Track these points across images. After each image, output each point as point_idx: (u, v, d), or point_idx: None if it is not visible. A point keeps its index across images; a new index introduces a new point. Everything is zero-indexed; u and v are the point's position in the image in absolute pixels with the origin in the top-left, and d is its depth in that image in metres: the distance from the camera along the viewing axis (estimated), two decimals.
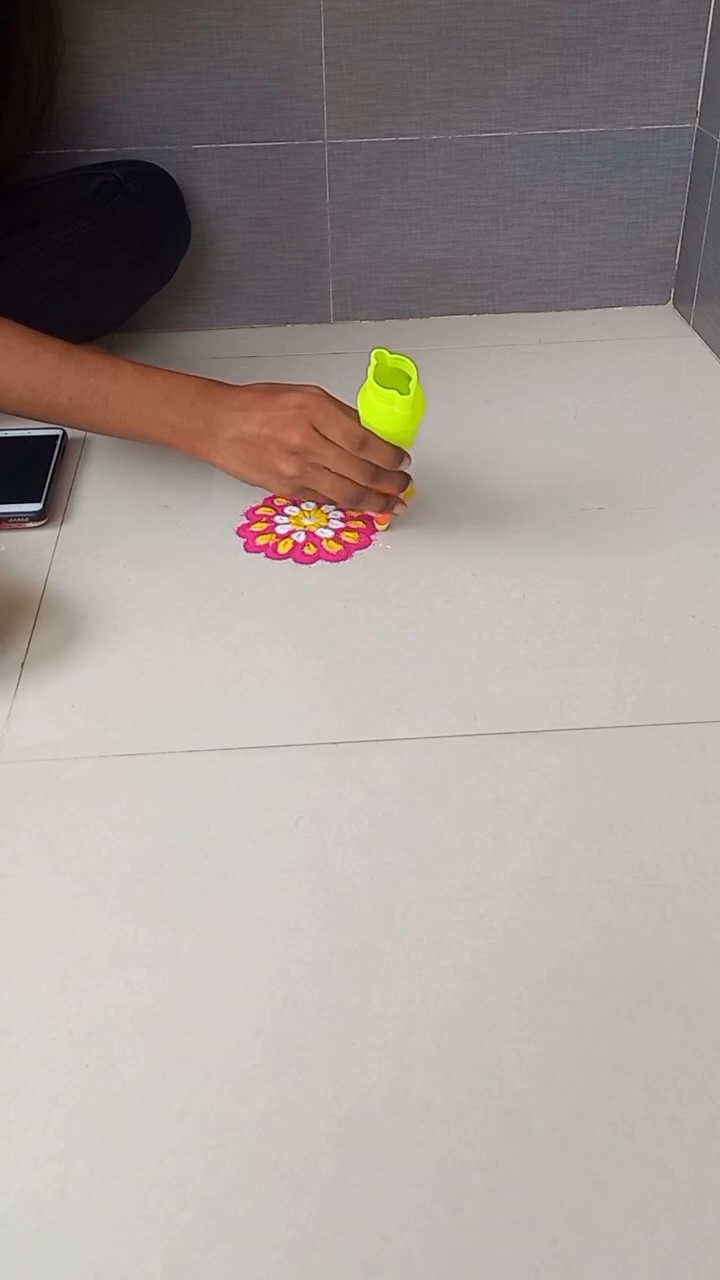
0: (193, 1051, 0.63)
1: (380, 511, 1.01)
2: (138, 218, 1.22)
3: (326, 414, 0.95)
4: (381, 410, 0.95)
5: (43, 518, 1.05)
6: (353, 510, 1.02)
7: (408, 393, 0.94)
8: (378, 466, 0.97)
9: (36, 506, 1.05)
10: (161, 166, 1.30)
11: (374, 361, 0.95)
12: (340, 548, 1.03)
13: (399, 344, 1.40)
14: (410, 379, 0.95)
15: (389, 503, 1.00)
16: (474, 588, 0.98)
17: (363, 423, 0.96)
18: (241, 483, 1.02)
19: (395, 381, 0.95)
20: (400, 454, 0.98)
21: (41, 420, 1.01)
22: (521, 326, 1.43)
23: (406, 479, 0.99)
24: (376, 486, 0.98)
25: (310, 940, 0.69)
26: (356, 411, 0.97)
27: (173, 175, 1.31)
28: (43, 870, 0.74)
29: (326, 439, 0.96)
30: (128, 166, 1.28)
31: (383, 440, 0.96)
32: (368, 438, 0.96)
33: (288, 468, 0.97)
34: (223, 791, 0.79)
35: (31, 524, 1.05)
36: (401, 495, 1.00)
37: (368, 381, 0.95)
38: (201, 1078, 0.62)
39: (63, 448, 1.13)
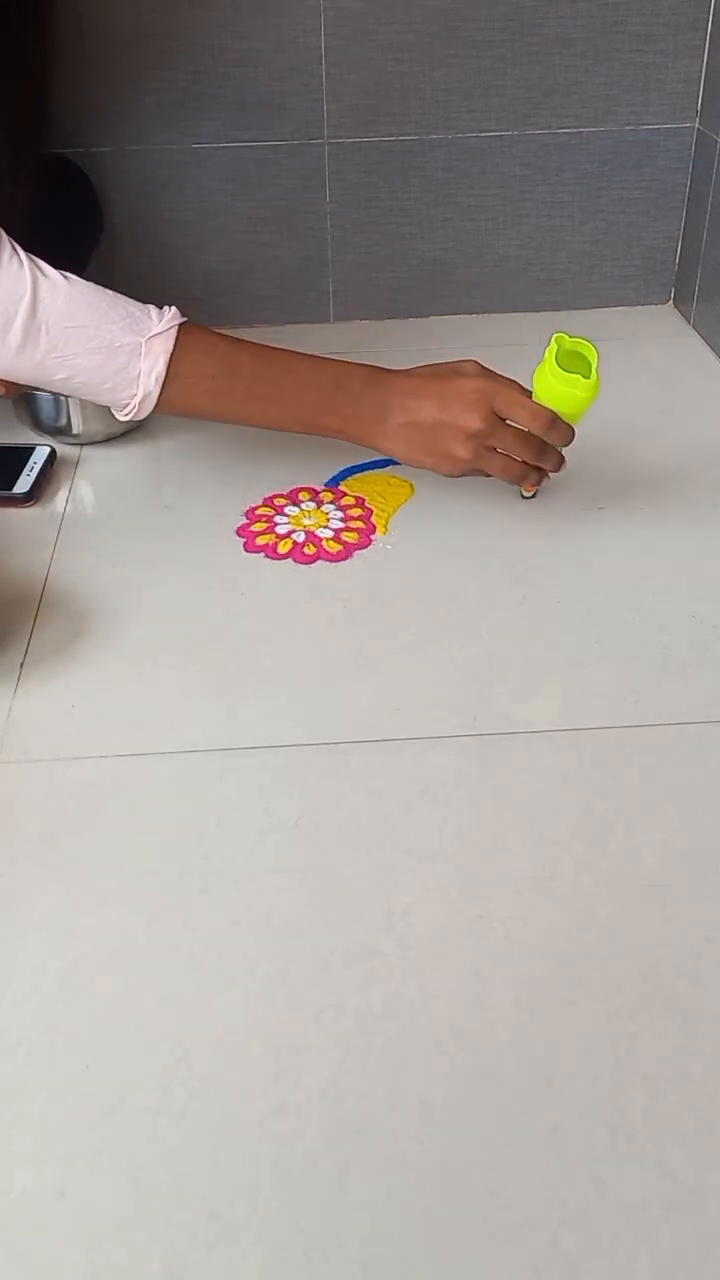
0: (193, 1051, 0.63)
1: (534, 484, 1.03)
2: (44, 208, 1.15)
3: (507, 398, 0.94)
4: (562, 393, 0.95)
5: (31, 498, 1.07)
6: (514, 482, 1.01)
7: (589, 376, 0.95)
8: (545, 446, 0.97)
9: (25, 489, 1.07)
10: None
11: (554, 345, 0.96)
12: (340, 548, 1.03)
13: (399, 344, 1.40)
14: (591, 364, 0.95)
15: (542, 476, 1.01)
16: (474, 588, 0.98)
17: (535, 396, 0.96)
18: (237, 481, 1.02)
19: (573, 364, 0.96)
20: (573, 435, 0.98)
21: (207, 417, 0.97)
22: (521, 326, 1.43)
23: (562, 460, 1.00)
24: (538, 463, 0.98)
25: (310, 940, 0.69)
26: (529, 390, 0.97)
27: (173, 175, 1.31)
28: (43, 870, 0.74)
29: (502, 421, 0.95)
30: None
31: (565, 421, 0.97)
32: (554, 419, 0.95)
33: (463, 451, 0.95)
34: (223, 791, 0.79)
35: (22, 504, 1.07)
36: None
37: (547, 362, 0.96)
38: (201, 1078, 0.62)
39: (51, 459, 1.13)
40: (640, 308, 1.47)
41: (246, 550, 1.03)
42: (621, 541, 1.03)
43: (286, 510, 1.08)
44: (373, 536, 1.04)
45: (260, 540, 1.04)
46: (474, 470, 0.99)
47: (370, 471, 1.12)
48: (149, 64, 1.28)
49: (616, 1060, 0.62)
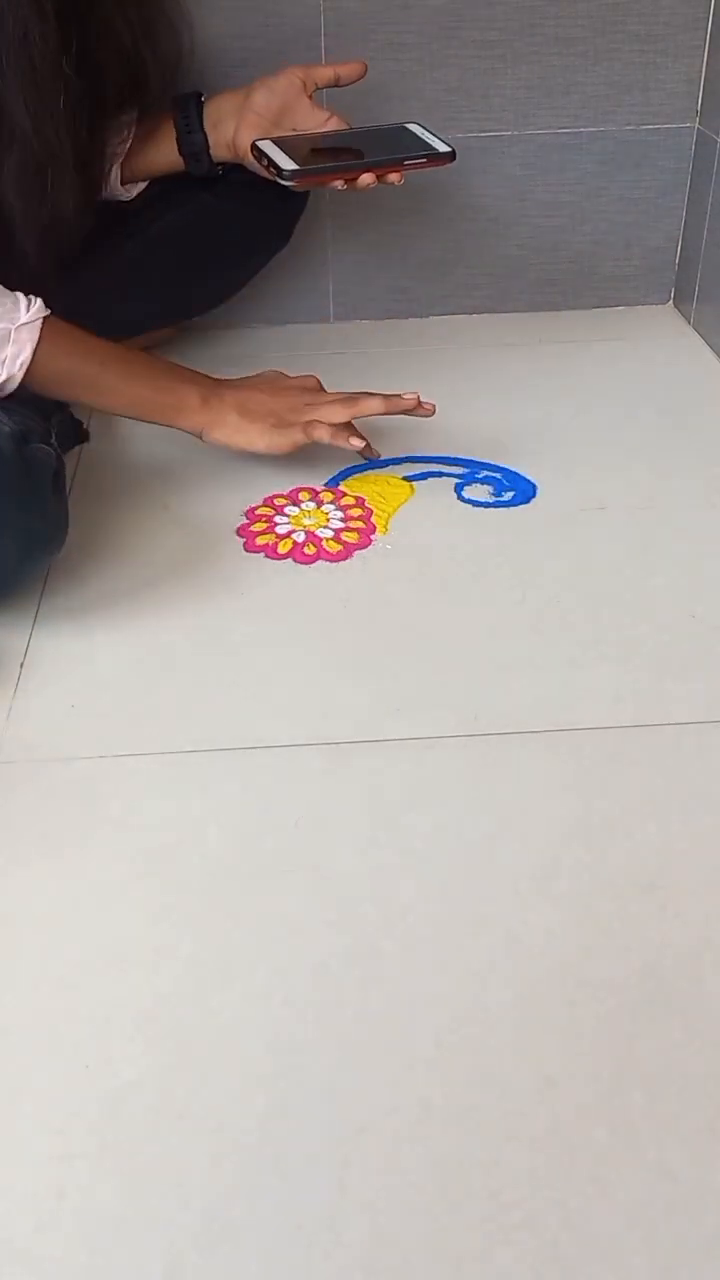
0: (193, 1051, 0.63)
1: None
2: (256, 181, 1.19)
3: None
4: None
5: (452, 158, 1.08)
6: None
7: None
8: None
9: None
10: None
11: None
12: (340, 548, 1.03)
13: (399, 344, 1.40)
14: None
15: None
16: (474, 588, 0.98)
17: None
18: (237, 481, 1.02)
19: None
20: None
21: (60, 399, 1.03)
22: (521, 326, 1.43)
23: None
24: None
25: (310, 940, 0.69)
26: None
27: None
28: (43, 870, 0.74)
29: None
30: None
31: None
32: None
33: (290, 416, 1.02)
34: (223, 791, 0.79)
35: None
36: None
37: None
38: (201, 1078, 0.62)
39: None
40: (640, 308, 1.47)
41: (247, 550, 1.03)
42: (621, 541, 1.03)
43: (286, 510, 1.08)
44: (373, 536, 1.04)
45: (260, 540, 1.04)
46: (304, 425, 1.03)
47: (370, 471, 1.13)
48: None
49: (616, 1060, 0.62)
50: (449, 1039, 0.64)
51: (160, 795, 0.79)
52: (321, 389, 1.07)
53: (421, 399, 1.06)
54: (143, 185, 1.19)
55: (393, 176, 1.06)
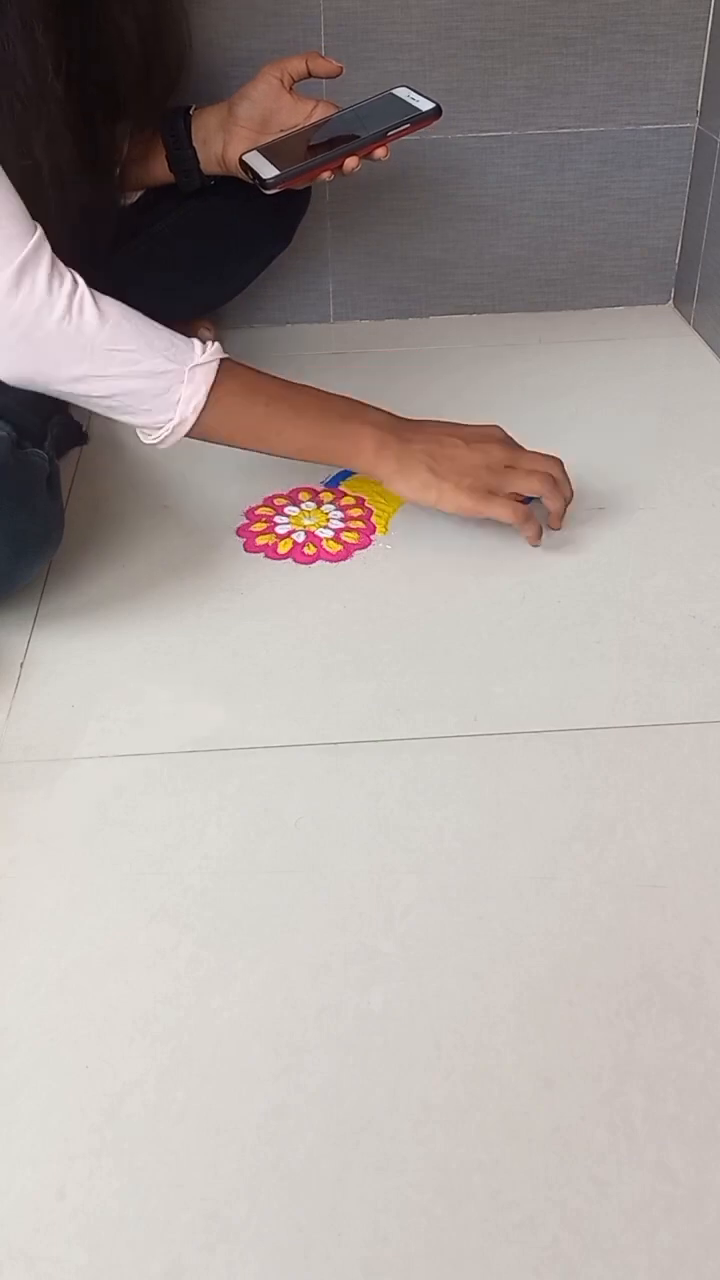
0: (192, 1052, 0.63)
1: (533, 539, 1.01)
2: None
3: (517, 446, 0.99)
4: None
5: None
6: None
7: None
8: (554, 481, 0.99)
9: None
10: None
11: None
12: (340, 548, 1.03)
13: (399, 344, 1.40)
14: None
15: (539, 535, 1.01)
16: (474, 588, 0.98)
17: None
18: (237, 481, 1.02)
19: None
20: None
21: (235, 446, 0.98)
22: (521, 326, 1.43)
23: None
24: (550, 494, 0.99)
25: (310, 940, 0.69)
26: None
27: None
28: (43, 870, 0.74)
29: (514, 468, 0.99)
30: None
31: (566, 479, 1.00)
32: (562, 468, 1.00)
33: (482, 480, 0.97)
34: (223, 791, 0.79)
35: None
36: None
37: None
38: (201, 1078, 0.62)
39: None
40: (640, 308, 1.47)
41: (246, 550, 1.03)
42: (621, 541, 1.03)
43: (286, 510, 1.08)
44: (373, 536, 1.04)
45: (260, 540, 1.04)
46: (483, 501, 0.97)
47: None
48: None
49: (616, 1060, 0.62)
50: (449, 1039, 0.64)
51: (160, 795, 0.79)
52: (510, 441, 1.00)
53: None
54: (139, 193, 1.20)
55: (378, 153, 1.04)
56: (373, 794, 0.78)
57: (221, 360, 0.91)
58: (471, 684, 0.87)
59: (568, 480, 1.00)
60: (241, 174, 1.08)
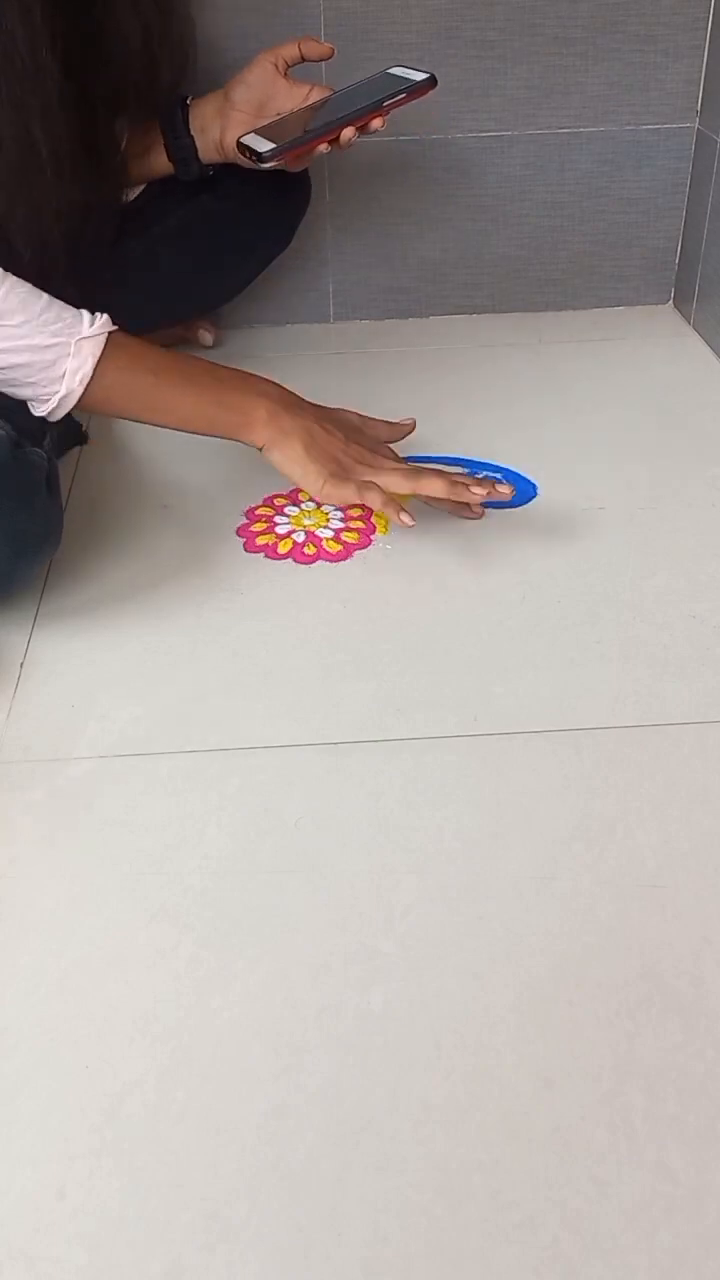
0: (192, 1052, 0.63)
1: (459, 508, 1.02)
2: (258, 182, 1.21)
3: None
4: None
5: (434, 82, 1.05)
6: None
7: None
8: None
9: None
10: None
11: None
12: (340, 548, 1.03)
13: (399, 344, 1.40)
14: None
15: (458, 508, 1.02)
16: (474, 588, 0.98)
17: None
18: (237, 481, 1.02)
19: None
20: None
21: (123, 418, 0.99)
22: (521, 326, 1.43)
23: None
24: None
25: (310, 940, 0.69)
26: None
27: None
28: (43, 870, 0.74)
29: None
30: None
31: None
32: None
33: (349, 461, 0.99)
34: (223, 791, 0.79)
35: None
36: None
37: None
38: (201, 1078, 0.62)
39: None
40: (640, 308, 1.47)
41: (246, 550, 1.03)
42: (621, 541, 1.03)
43: (286, 510, 1.08)
44: (373, 536, 1.04)
45: (260, 540, 1.04)
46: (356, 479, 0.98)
47: None
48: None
49: (616, 1060, 0.62)
50: (449, 1039, 0.64)
51: (160, 795, 0.79)
52: (391, 451, 1.03)
53: (482, 498, 1.00)
54: (140, 188, 1.20)
55: (375, 123, 1.04)
56: (373, 794, 0.78)
57: (110, 333, 0.91)
58: (471, 684, 0.87)
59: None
60: (240, 158, 1.09)
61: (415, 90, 1.04)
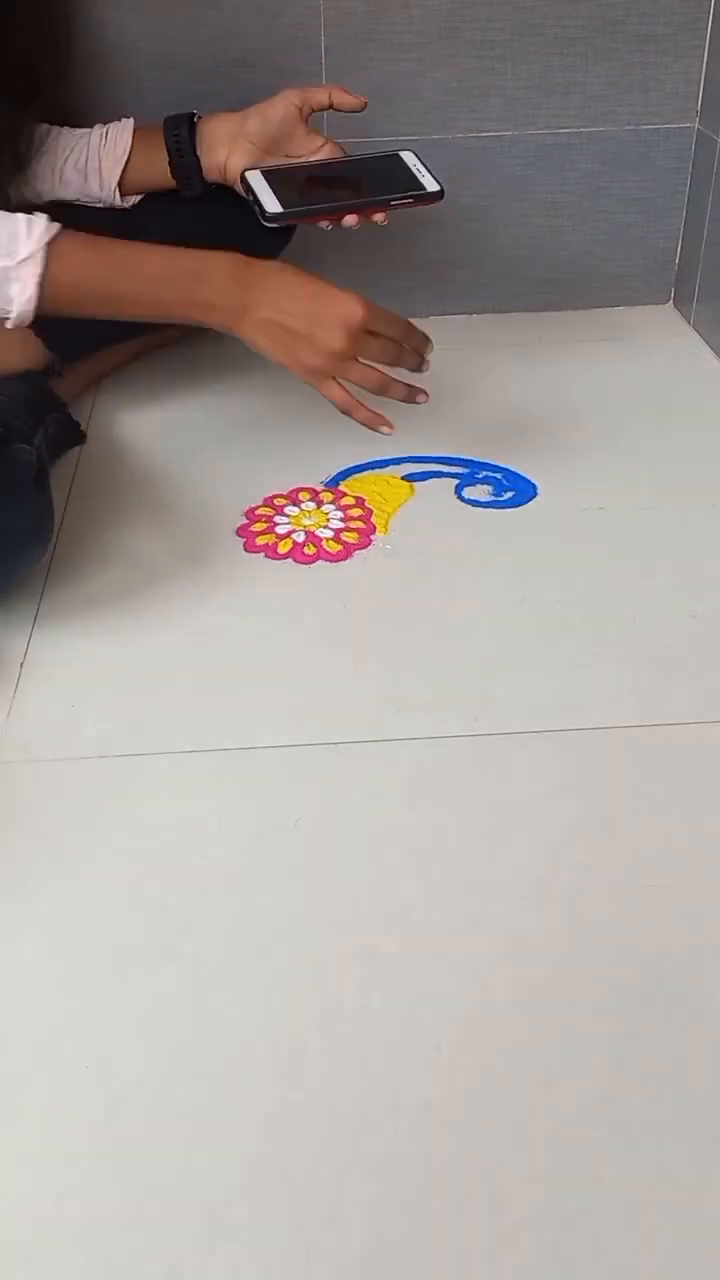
0: (192, 1052, 0.63)
1: (404, 398, 1.00)
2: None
3: (378, 319, 0.97)
4: None
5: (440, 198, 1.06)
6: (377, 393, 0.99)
7: None
8: (401, 347, 0.99)
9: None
10: None
11: None
12: (340, 548, 1.03)
13: None
14: None
15: (411, 392, 1.00)
16: (474, 588, 0.98)
17: None
18: (237, 481, 1.02)
19: None
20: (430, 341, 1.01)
21: (80, 316, 0.99)
22: (521, 326, 1.43)
23: (421, 357, 1.01)
24: (397, 363, 0.98)
25: (310, 940, 0.69)
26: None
27: None
28: (43, 870, 0.74)
29: (367, 337, 0.96)
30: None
31: (421, 332, 0.99)
32: (411, 326, 0.99)
33: (319, 362, 0.96)
34: (223, 791, 0.79)
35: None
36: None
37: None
38: (201, 1078, 0.62)
39: None
40: (640, 308, 1.47)
41: (246, 550, 1.03)
42: (621, 541, 1.03)
43: (286, 510, 1.08)
44: (373, 536, 1.04)
45: (260, 540, 1.04)
46: (329, 379, 0.97)
47: (370, 472, 1.13)
48: (149, 64, 1.28)
49: (616, 1060, 0.62)
50: (449, 1039, 0.64)
51: (160, 795, 0.79)
52: (367, 318, 0.98)
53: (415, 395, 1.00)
54: (137, 198, 1.20)
55: (377, 216, 1.05)
56: (373, 794, 0.78)
57: (52, 241, 0.92)
58: (471, 684, 0.87)
59: (416, 336, 0.99)
60: (238, 188, 1.08)
61: (424, 199, 1.06)
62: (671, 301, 1.47)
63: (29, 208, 0.95)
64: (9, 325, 0.94)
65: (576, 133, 1.36)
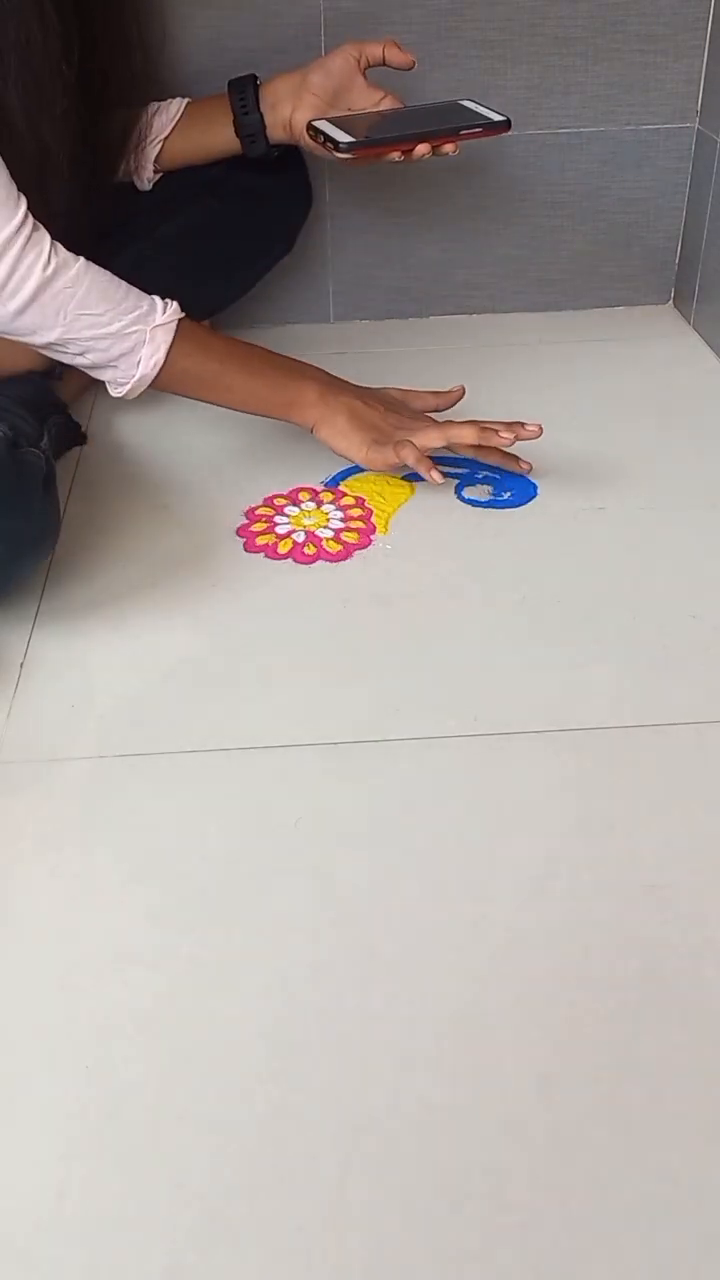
0: (192, 1052, 0.63)
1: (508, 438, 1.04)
2: (260, 188, 1.24)
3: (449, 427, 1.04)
4: None
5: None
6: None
7: None
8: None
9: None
10: None
11: None
12: (340, 548, 1.03)
13: (399, 344, 1.40)
14: None
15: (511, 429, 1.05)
16: (474, 588, 0.98)
17: None
18: (237, 481, 1.02)
19: None
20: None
21: (191, 398, 1.05)
22: (521, 326, 1.43)
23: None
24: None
25: (310, 940, 0.69)
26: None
27: None
28: (43, 870, 0.74)
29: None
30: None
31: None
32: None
33: (389, 428, 1.04)
34: (223, 791, 0.79)
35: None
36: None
37: None
38: (201, 1078, 0.62)
39: None
40: (640, 308, 1.47)
41: (246, 550, 1.03)
42: (621, 541, 1.03)
43: (286, 510, 1.08)
44: (373, 536, 1.04)
45: (260, 540, 1.04)
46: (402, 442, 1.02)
47: (370, 472, 1.12)
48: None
49: (616, 1060, 0.62)
50: (449, 1039, 0.64)
51: (160, 795, 0.79)
52: (430, 419, 1.08)
53: (510, 442, 1.04)
54: (158, 176, 1.20)
55: (448, 147, 1.08)
56: (373, 794, 0.78)
57: (180, 320, 0.98)
58: (471, 684, 0.87)
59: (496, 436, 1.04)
60: (306, 139, 1.11)
61: (491, 128, 1.08)
62: (671, 301, 1.47)
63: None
64: (124, 392, 0.99)
65: (576, 133, 1.36)
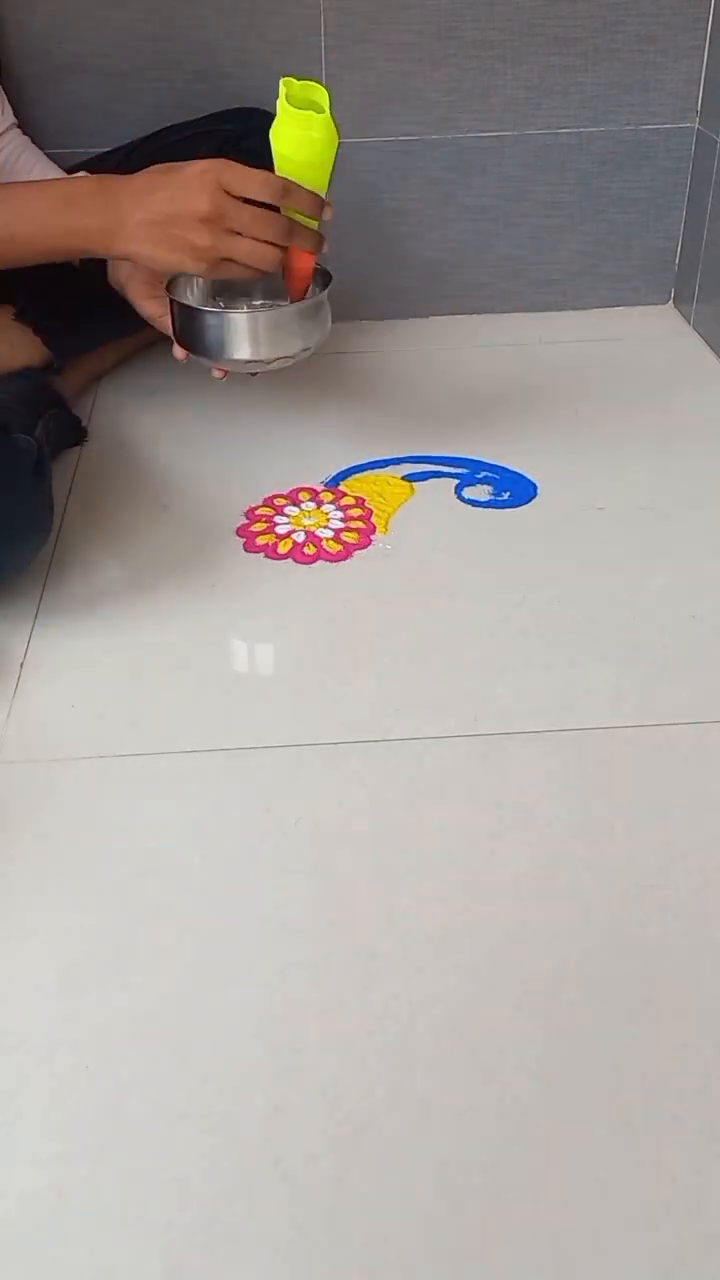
0: (192, 1052, 0.63)
1: (300, 276, 0.93)
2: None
3: (235, 173, 0.88)
4: (296, 136, 0.86)
5: None
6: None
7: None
8: (294, 224, 0.90)
9: None
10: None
11: (283, 89, 0.87)
12: (340, 548, 1.03)
13: (399, 344, 1.40)
14: (324, 106, 0.87)
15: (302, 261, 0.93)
16: (474, 588, 0.98)
17: (276, 170, 0.89)
18: (237, 481, 1.02)
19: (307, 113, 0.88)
20: (322, 203, 0.91)
21: None
22: (521, 326, 1.43)
23: (322, 240, 0.92)
24: (287, 242, 0.90)
25: (310, 940, 0.69)
26: (265, 169, 0.89)
27: None
28: (43, 870, 0.74)
29: (238, 200, 0.88)
30: (241, 118, 1.22)
31: (303, 187, 0.89)
32: (289, 185, 0.88)
33: (200, 238, 0.89)
34: (223, 791, 0.79)
35: None
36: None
37: (279, 111, 0.87)
38: (201, 1078, 0.62)
39: None
40: (640, 308, 1.47)
41: (246, 550, 1.03)
42: (621, 541, 1.03)
43: (286, 510, 1.08)
44: (373, 536, 1.04)
45: (260, 540, 1.04)
46: (221, 262, 0.90)
47: (370, 472, 1.13)
48: (148, 64, 1.28)
49: (616, 1060, 0.62)
50: (449, 1040, 0.64)
51: (160, 795, 0.79)
52: (224, 168, 0.89)
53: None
54: None
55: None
56: (373, 794, 0.78)
57: None
58: (471, 684, 0.87)
59: (305, 199, 0.90)
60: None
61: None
62: (671, 301, 1.48)
63: None
64: None
65: (576, 133, 1.36)
